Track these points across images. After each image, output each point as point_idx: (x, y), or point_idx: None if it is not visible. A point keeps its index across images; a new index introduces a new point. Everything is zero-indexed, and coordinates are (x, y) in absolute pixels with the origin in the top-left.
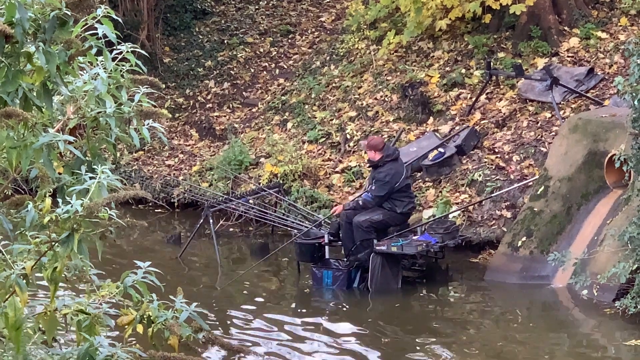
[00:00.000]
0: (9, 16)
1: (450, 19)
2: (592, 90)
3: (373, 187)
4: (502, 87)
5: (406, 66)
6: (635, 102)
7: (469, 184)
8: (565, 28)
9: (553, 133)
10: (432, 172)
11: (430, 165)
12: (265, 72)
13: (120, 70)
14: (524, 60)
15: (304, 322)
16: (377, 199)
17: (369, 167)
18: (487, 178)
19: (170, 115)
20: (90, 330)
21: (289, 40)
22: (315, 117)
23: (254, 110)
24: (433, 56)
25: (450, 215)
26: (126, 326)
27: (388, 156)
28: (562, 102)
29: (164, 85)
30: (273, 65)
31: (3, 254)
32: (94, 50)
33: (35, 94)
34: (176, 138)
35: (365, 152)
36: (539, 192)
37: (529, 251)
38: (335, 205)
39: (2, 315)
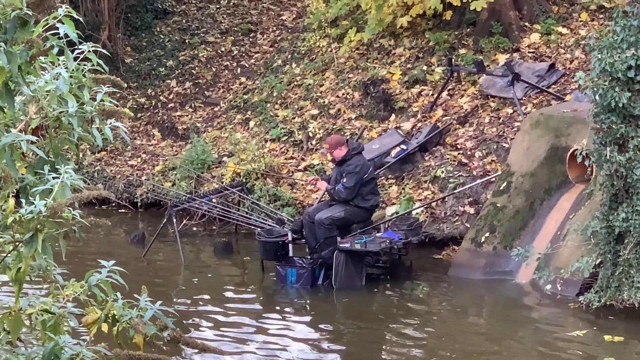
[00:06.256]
0: None
1: (411, 16)
2: (553, 86)
3: (345, 180)
4: (463, 83)
5: (368, 64)
6: (597, 97)
7: (431, 181)
8: (526, 24)
9: (515, 129)
10: (394, 169)
11: (393, 162)
12: (227, 71)
13: (82, 70)
14: (485, 57)
15: (269, 320)
16: (347, 190)
17: (336, 164)
18: (450, 174)
19: (132, 115)
20: (55, 330)
21: (250, 39)
22: (278, 116)
23: (216, 109)
24: (394, 53)
25: (414, 212)
26: (91, 325)
27: (354, 149)
28: (523, 98)
29: (125, 85)
30: (235, 64)
31: None
32: (55, 50)
33: None
34: (139, 138)
35: (329, 153)
36: (501, 188)
37: (492, 247)
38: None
39: None
